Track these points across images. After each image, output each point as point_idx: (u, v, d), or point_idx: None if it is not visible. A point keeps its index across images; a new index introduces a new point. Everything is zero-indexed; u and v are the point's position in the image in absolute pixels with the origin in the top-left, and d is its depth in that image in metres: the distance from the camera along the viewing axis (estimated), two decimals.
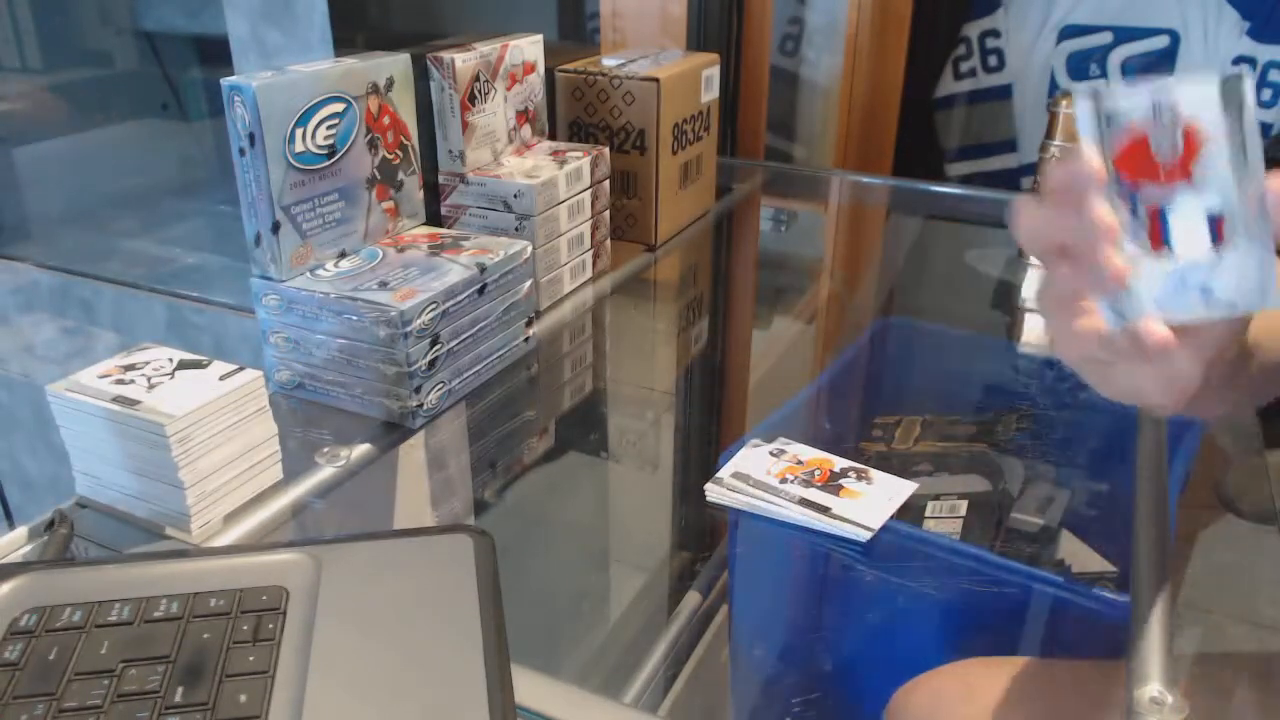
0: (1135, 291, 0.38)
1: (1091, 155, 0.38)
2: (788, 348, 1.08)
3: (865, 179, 1.38)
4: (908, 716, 0.55)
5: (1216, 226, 0.38)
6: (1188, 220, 0.38)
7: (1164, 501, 0.56)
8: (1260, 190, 0.37)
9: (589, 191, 0.94)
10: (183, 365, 0.60)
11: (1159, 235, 0.38)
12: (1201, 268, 0.38)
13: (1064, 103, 1.00)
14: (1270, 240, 0.37)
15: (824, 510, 0.63)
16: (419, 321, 0.68)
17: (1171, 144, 0.38)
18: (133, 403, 0.56)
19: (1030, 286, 1.05)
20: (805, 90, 1.48)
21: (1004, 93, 1.49)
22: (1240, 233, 0.37)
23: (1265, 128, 1.31)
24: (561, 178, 0.88)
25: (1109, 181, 0.38)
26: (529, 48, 0.93)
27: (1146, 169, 0.38)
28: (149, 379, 0.58)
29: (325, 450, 0.67)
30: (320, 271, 0.72)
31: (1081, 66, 1.42)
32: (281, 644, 0.44)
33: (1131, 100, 0.38)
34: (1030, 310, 1.00)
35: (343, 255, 0.75)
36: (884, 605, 0.64)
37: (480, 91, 0.87)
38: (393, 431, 0.70)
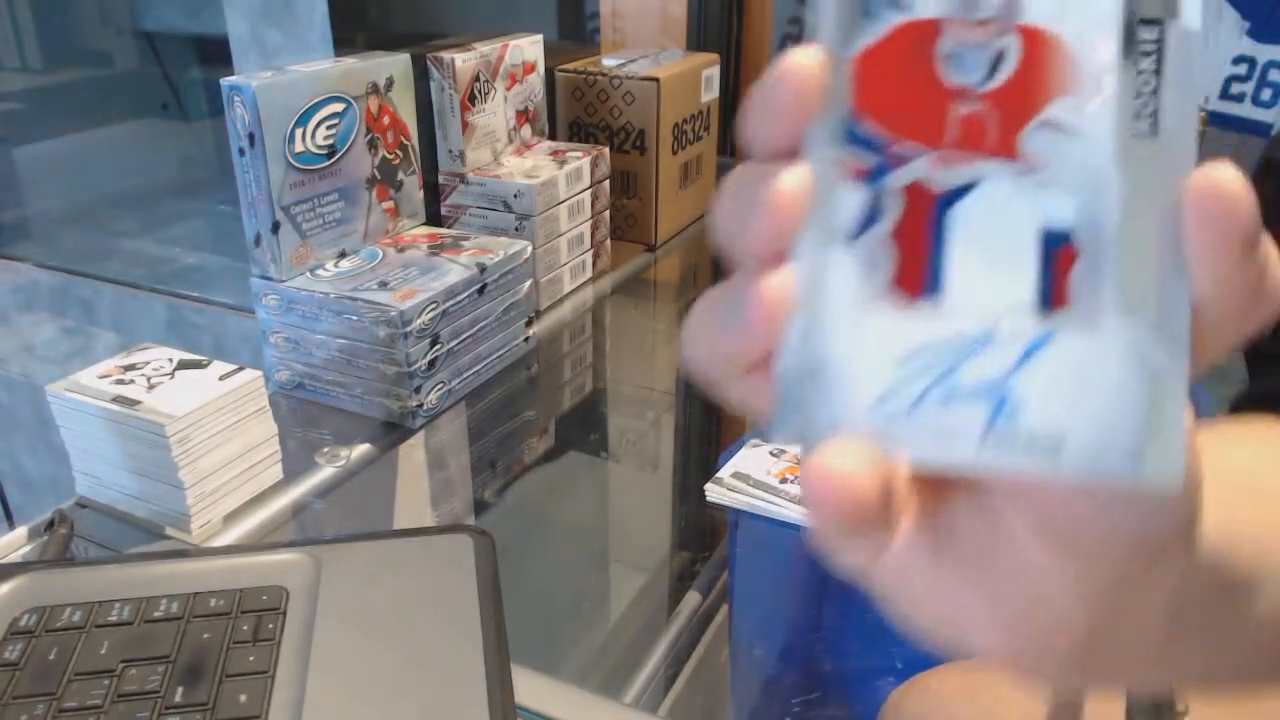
0: (833, 372, 0.18)
1: (810, 54, 0.18)
2: None
3: None
4: (906, 716, 0.55)
5: (1056, 264, 0.18)
6: (992, 236, 0.18)
7: None
8: (1173, 204, 0.17)
9: (589, 191, 0.94)
10: (182, 365, 0.60)
11: (920, 257, 0.18)
12: (1002, 349, 0.18)
13: None
14: (1183, 324, 0.17)
15: None
16: (419, 321, 0.68)
17: (984, 64, 0.18)
18: (133, 403, 0.56)
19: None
20: None
21: None
22: (1109, 291, 0.17)
23: (1265, 127, 1.31)
24: (561, 178, 0.88)
25: (834, 118, 0.18)
26: (529, 48, 0.93)
27: (919, 109, 0.18)
28: (149, 379, 0.58)
29: (325, 450, 0.67)
30: (320, 271, 0.72)
31: None
32: (281, 644, 0.44)
33: None
34: None
35: (343, 255, 0.75)
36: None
37: (480, 91, 0.87)
38: (393, 431, 0.70)
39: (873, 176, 0.18)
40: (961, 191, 0.18)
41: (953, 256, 0.18)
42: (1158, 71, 0.17)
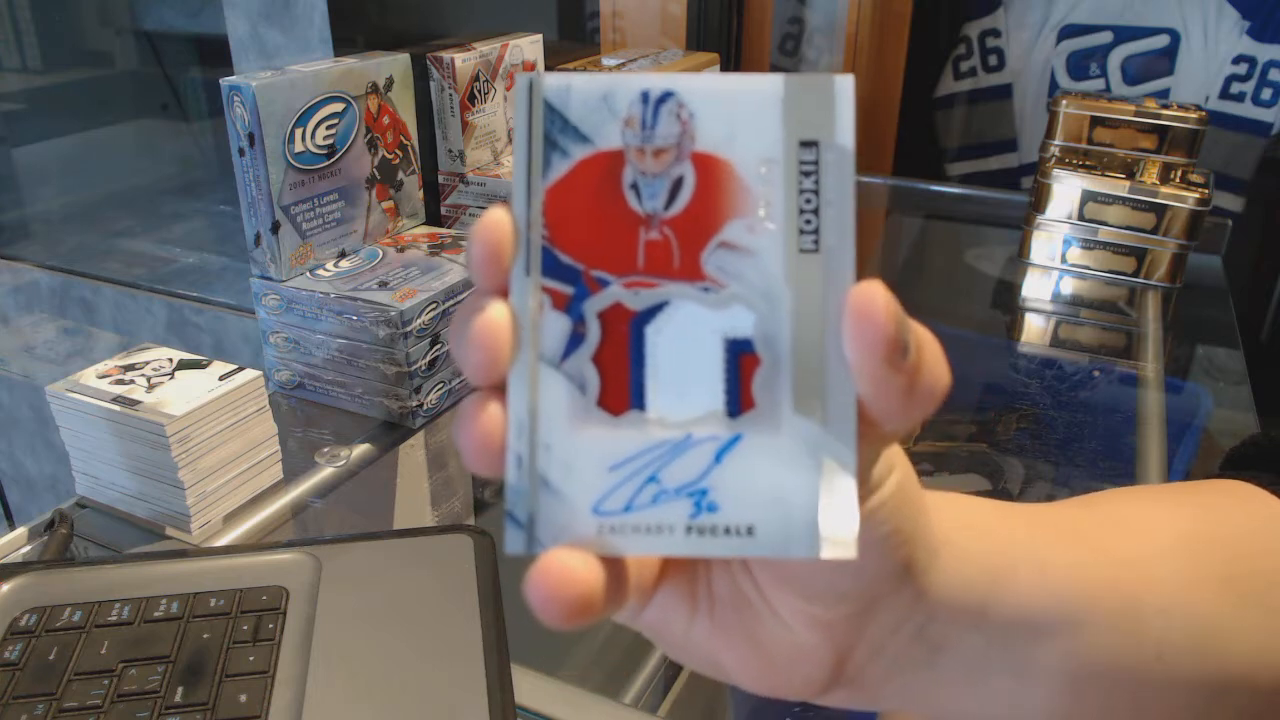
0: (554, 486, 0.20)
1: (499, 214, 0.20)
2: None
3: (865, 178, 1.38)
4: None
5: (741, 372, 0.20)
6: (684, 351, 0.20)
7: None
8: (839, 309, 0.19)
9: None
10: (182, 365, 0.60)
11: (621, 375, 0.20)
12: (699, 453, 0.20)
13: (1064, 102, 1.00)
14: (850, 420, 0.20)
15: None
16: (419, 321, 0.68)
17: (664, 192, 0.20)
18: (133, 403, 0.56)
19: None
20: None
21: (1004, 92, 1.49)
22: (786, 394, 0.20)
23: (1265, 126, 1.31)
24: None
25: (533, 249, 0.20)
26: (529, 47, 0.93)
27: (608, 237, 0.20)
28: (149, 379, 0.58)
29: (325, 450, 0.67)
30: (320, 271, 0.72)
31: (1081, 66, 1.42)
32: (281, 644, 0.44)
33: (593, 93, 0.20)
34: (1030, 310, 1.00)
35: (343, 255, 0.75)
36: None
37: (480, 91, 0.87)
38: (393, 431, 0.70)
39: (572, 303, 0.20)
40: (654, 312, 0.20)
41: (651, 372, 0.20)
42: (817, 191, 0.20)
